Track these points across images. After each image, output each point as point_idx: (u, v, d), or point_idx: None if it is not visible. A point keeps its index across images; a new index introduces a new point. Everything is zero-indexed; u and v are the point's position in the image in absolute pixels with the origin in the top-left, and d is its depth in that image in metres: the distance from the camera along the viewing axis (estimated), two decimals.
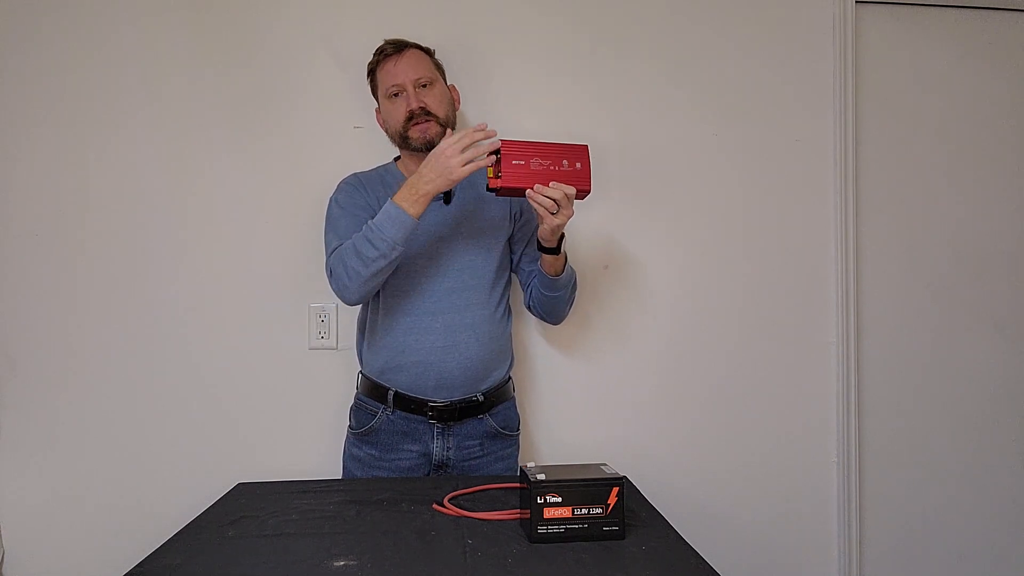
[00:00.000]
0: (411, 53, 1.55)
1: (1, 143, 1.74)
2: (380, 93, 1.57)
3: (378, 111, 1.61)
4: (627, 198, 1.85)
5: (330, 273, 1.47)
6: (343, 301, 1.49)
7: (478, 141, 1.34)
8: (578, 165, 1.39)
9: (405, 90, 1.52)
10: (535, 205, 1.37)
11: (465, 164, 1.32)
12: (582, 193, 1.40)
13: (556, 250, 1.49)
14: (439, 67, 1.61)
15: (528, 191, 1.36)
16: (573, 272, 1.60)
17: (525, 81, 1.83)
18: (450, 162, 1.32)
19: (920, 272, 1.98)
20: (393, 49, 1.54)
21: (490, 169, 1.38)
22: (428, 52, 1.60)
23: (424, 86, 1.53)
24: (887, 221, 1.97)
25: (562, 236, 1.48)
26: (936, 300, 1.98)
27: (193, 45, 1.77)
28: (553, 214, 1.36)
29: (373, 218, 1.50)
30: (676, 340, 1.88)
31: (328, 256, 1.49)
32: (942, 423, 1.98)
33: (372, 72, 1.59)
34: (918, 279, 1.98)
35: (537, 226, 1.45)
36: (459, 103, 1.65)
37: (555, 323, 1.70)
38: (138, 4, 1.76)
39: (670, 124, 1.87)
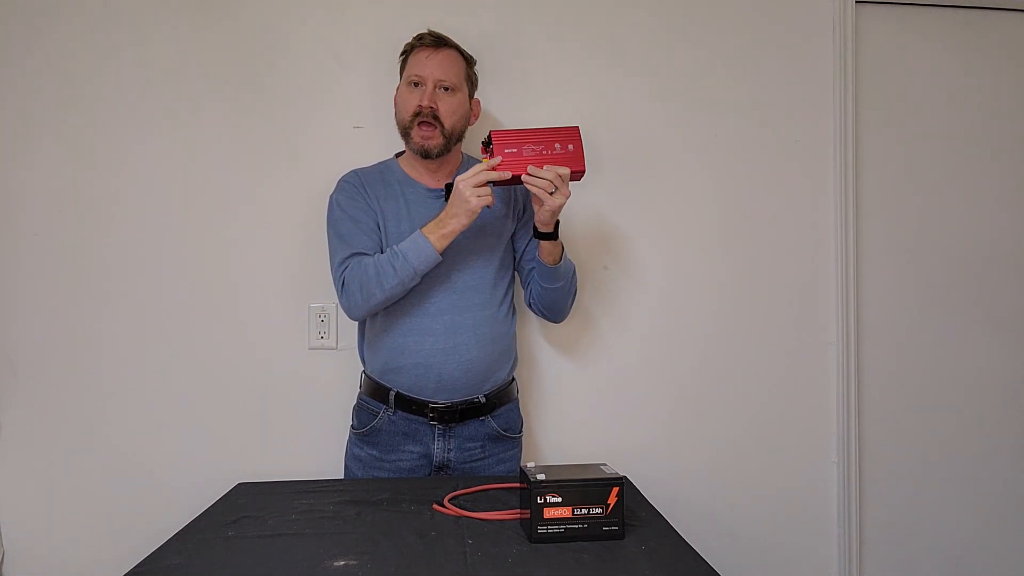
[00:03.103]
0: (447, 53, 1.54)
1: (2, 143, 1.74)
2: (403, 77, 1.57)
3: (397, 91, 1.60)
4: (628, 199, 1.85)
5: (342, 285, 1.48)
6: (348, 316, 1.52)
7: (491, 179, 1.38)
8: (570, 147, 1.41)
9: (424, 85, 1.50)
10: (532, 188, 1.39)
11: (480, 196, 1.37)
12: (577, 174, 1.42)
13: (554, 235, 1.50)
14: (470, 78, 1.59)
15: (523, 176, 1.38)
16: (572, 264, 1.60)
17: (523, 82, 1.83)
18: (464, 194, 1.37)
19: (920, 272, 1.98)
20: (432, 41, 1.53)
21: (484, 159, 1.40)
22: (468, 60, 1.58)
23: (445, 89, 1.51)
24: (887, 221, 1.96)
25: (557, 222, 1.49)
26: (936, 300, 1.98)
27: (194, 46, 1.77)
28: (551, 195, 1.38)
29: (380, 218, 1.52)
30: (676, 341, 1.88)
31: (337, 265, 1.50)
32: (942, 423, 1.98)
33: (405, 54, 1.58)
34: (918, 279, 1.98)
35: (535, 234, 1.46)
36: (477, 118, 1.64)
37: (557, 320, 1.68)
38: (139, 7, 1.76)
39: (671, 124, 1.87)
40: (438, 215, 1.49)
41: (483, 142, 1.43)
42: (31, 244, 1.75)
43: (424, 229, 1.42)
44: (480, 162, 1.41)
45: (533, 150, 1.39)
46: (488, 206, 1.39)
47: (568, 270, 1.58)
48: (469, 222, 1.40)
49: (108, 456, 1.75)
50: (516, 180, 1.39)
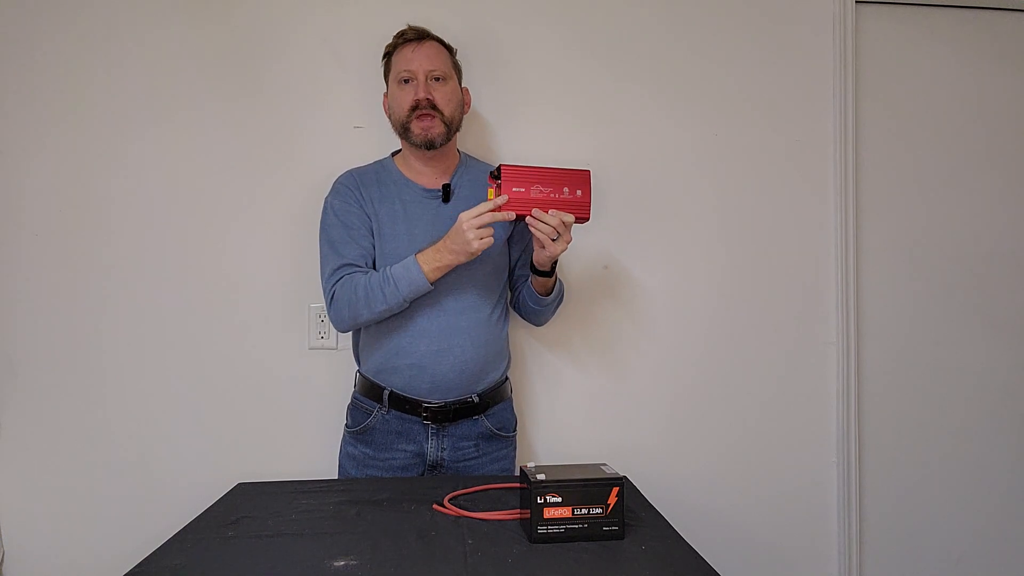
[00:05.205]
0: (431, 44, 1.54)
1: (2, 143, 1.74)
2: (391, 77, 1.56)
3: (386, 96, 1.60)
4: (627, 198, 1.85)
5: (331, 299, 1.48)
6: (335, 327, 1.53)
7: (495, 220, 1.37)
8: (579, 192, 1.41)
9: (416, 79, 1.50)
10: (535, 232, 1.39)
11: (482, 239, 1.36)
12: (581, 220, 1.41)
13: (550, 273, 1.52)
14: (456, 67, 1.60)
15: (528, 218, 1.38)
16: (562, 287, 1.63)
17: (523, 83, 1.83)
18: (467, 235, 1.36)
19: (920, 272, 1.98)
20: (414, 35, 1.53)
21: (490, 191, 1.40)
22: (449, 49, 1.59)
23: (437, 79, 1.51)
24: (887, 221, 1.96)
25: (555, 261, 1.50)
26: (936, 300, 1.98)
27: (195, 46, 1.77)
28: (553, 240, 1.38)
29: (374, 220, 1.51)
30: (675, 340, 1.88)
31: (328, 275, 1.50)
32: (942, 423, 1.98)
33: (388, 55, 1.57)
34: (918, 279, 1.98)
35: (532, 242, 1.46)
36: (469, 107, 1.64)
37: (536, 325, 1.74)
38: (140, 8, 1.76)
39: (670, 124, 1.87)
40: (435, 217, 1.51)
41: (491, 173, 1.42)
42: (31, 244, 1.75)
43: (420, 257, 1.41)
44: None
45: (541, 191, 1.38)
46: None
47: (557, 296, 1.61)
48: (466, 260, 1.40)
49: (108, 456, 1.75)
50: (519, 218, 1.39)
